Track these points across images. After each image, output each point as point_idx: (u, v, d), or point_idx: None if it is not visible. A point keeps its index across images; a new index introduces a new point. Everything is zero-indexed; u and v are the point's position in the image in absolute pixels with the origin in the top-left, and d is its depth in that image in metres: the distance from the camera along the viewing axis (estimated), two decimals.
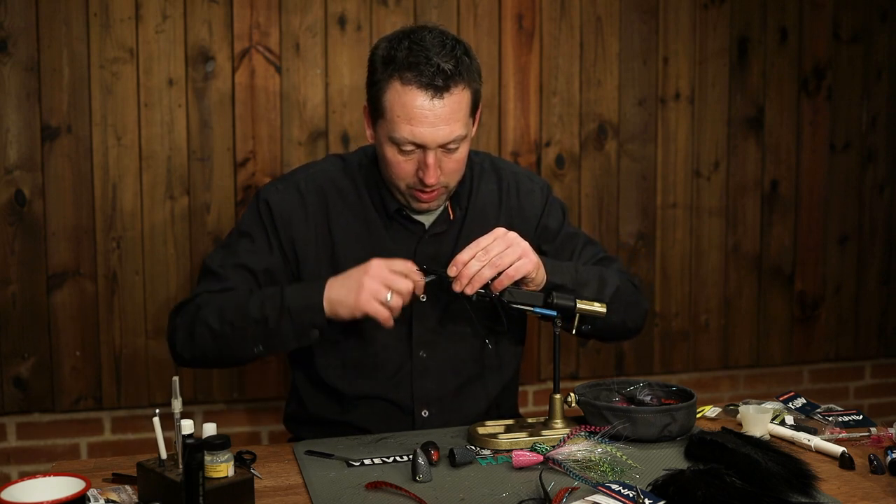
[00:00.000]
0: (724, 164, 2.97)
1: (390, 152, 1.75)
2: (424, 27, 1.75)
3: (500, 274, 1.65)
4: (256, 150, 2.60)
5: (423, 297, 1.82)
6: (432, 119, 1.68)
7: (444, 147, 1.72)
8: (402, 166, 1.75)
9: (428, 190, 1.75)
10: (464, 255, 1.65)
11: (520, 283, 1.70)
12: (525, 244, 1.69)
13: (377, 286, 1.64)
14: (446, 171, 1.75)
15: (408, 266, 1.67)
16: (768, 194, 3.02)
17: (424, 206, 1.80)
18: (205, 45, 2.55)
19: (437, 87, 1.67)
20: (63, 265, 2.51)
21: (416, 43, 1.69)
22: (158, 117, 2.53)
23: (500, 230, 1.69)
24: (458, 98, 1.70)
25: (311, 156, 2.61)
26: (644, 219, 2.92)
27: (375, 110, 1.76)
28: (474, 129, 1.82)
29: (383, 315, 1.65)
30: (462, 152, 1.76)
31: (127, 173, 2.53)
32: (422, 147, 1.71)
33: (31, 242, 2.49)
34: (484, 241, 1.67)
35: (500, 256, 1.65)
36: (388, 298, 1.64)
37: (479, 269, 1.64)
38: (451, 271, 1.66)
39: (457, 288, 1.65)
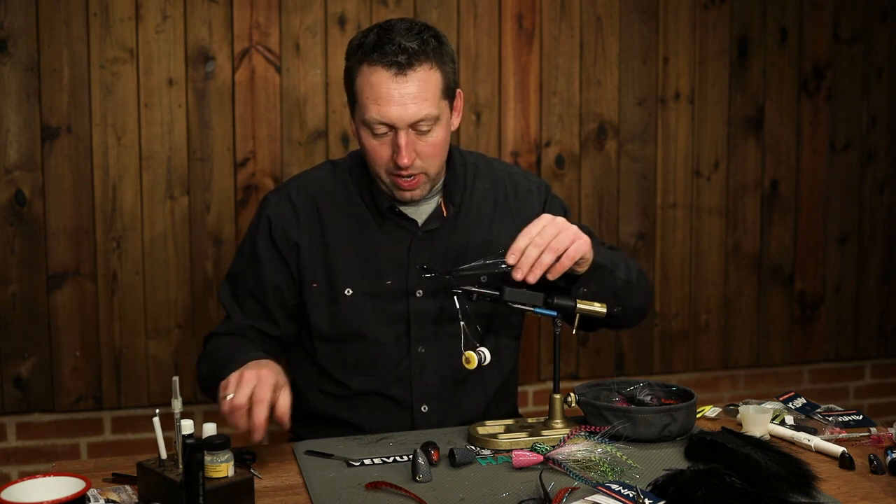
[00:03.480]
0: (724, 164, 2.97)
1: (365, 137, 1.76)
2: (398, 18, 1.77)
3: (559, 258, 1.63)
4: (256, 150, 2.60)
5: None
6: (398, 98, 1.69)
7: (416, 128, 1.72)
8: (378, 151, 1.75)
9: (405, 174, 1.76)
10: (520, 243, 1.62)
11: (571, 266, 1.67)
12: (574, 227, 1.66)
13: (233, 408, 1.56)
14: (423, 154, 1.75)
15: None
16: (768, 194, 3.02)
17: (408, 195, 1.80)
18: (205, 45, 2.55)
19: (401, 64, 1.68)
20: (63, 265, 2.51)
21: (384, 29, 1.73)
22: (158, 117, 2.53)
23: (547, 216, 1.65)
24: (425, 77, 1.71)
25: (310, 156, 2.61)
26: (644, 219, 2.92)
27: (350, 98, 1.78)
28: (455, 118, 1.83)
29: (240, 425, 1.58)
30: (437, 136, 1.75)
31: (127, 173, 2.53)
32: (393, 128, 1.72)
33: (31, 242, 2.49)
34: (535, 227, 1.63)
35: (556, 241, 1.62)
36: (228, 398, 1.56)
37: (539, 256, 1.62)
38: (510, 259, 1.62)
39: (518, 276, 1.62)
